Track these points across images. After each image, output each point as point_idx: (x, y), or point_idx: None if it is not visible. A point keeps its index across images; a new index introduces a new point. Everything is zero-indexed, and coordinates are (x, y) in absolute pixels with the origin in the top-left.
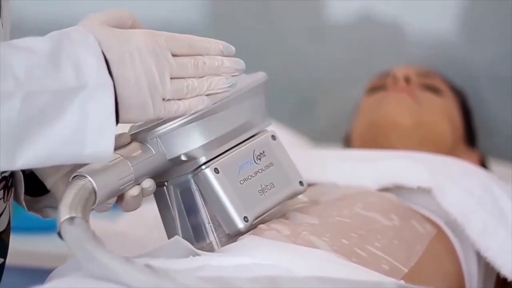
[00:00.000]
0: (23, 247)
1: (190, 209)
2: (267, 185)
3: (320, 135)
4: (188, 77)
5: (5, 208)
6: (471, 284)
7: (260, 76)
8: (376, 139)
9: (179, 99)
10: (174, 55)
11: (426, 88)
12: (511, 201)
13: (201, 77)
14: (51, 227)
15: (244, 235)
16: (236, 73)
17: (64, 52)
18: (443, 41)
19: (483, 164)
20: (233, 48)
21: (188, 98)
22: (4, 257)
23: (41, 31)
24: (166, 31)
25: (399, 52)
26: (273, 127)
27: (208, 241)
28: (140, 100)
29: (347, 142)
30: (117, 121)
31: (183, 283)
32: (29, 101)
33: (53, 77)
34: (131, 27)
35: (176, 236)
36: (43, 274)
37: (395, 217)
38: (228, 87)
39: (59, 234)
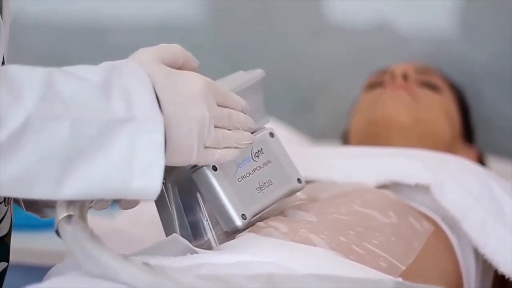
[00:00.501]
0: (22, 245)
1: (188, 206)
2: (265, 183)
3: (319, 135)
4: (223, 127)
5: (6, 212)
6: (469, 281)
7: (258, 73)
8: (374, 136)
9: (214, 148)
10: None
11: (424, 85)
12: (509, 198)
13: (230, 129)
14: (50, 225)
15: (242, 233)
16: (252, 131)
17: (115, 83)
18: (442, 38)
19: (481, 160)
20: (248, 107)
21: (221, 148)
22: (7, 260)
23: (40, 29)
24: (165, 31)
25: (398, 51)
26: (272, 125)
27: (206, 239)
28: (187, 145)
29: (345, 139)
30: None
31: (182, 282)
32: (77, 128)
33: (102, 106)
34: (182, 65)
35: (174, 234)
36: (42, 272)
37: (393, 214)
38: (249, 143)
39: (57, 232)
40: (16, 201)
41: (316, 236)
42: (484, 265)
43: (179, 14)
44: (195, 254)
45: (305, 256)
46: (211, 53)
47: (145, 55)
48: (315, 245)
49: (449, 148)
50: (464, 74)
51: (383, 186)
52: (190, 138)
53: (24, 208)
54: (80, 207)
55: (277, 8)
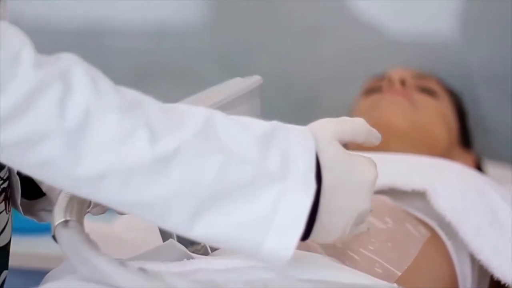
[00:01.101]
0: (20, 249)
1: None
2: None
3: None
4: None
5: (8, 219)
6: (465, 286)
7: (254, 80)
8: None
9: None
10: None
11: (421, 90)
12: (505, 204)
13: None
14: (48, 229)
15: None
16: None
17: (278, 142)
18: (440, 41)
19: (478, 166)
20: None
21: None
22: (8, 268)
23: (34, 33)
24: (161, 34)
25: (396, 53)
26: None
27: (202, 244)
28: (336, 232)
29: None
30: (307, 236)
31: (177, 287)
32: (225, 171)
33: (256, 157)
34: (364, 141)
35: (170, 239)
36: (40, 276)
37: (389, 220)
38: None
39: (54, 238)
40: (14, 204)
41: (312, 242)
42: (480, 270)
43: (176, 16)
44: (191, 260)
45: (300, 262)
46: (209, 55)
47: (323, 126)
48: (310, 251)
49: (446, 154)
50: (461, 77)
51: (380, 192)
52: (342, 229)
53: (22, 212)
54: (77, 212)
55: (276, 8)
